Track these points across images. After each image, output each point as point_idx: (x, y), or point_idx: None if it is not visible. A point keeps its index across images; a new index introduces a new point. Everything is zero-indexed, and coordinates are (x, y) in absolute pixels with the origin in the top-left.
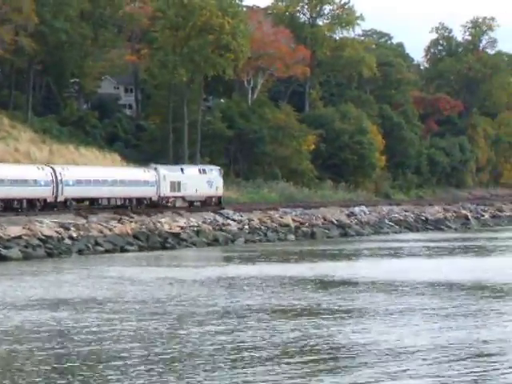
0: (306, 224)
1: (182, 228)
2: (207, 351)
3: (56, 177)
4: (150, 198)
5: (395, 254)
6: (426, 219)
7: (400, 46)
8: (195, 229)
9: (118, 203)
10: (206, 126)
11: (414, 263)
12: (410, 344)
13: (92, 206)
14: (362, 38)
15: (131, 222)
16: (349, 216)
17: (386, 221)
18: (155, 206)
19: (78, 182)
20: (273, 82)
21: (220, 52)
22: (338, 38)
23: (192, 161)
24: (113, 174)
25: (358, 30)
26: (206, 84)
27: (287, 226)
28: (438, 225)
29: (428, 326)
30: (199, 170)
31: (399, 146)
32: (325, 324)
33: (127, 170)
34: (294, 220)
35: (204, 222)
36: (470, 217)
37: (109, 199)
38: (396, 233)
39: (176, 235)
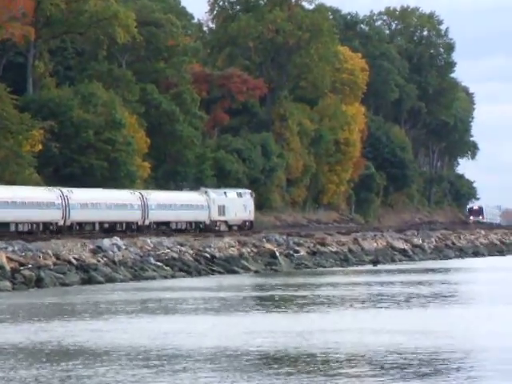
0: (29, 265)
1: None
2: None
3: (144, 201)
4: (204, 222)
5: (164, 309)
6: (212, 257)
7: None
8: None
9: (183, 227)
10: None
11: (187, 324)
12: None
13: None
14: None
15: None
16: (95, 253)
17: (152, 260)
18: (207, 230)
19: (159, 206)
20: None
21: None
22: None
23: None
24: (181, 197)
25: None
26: None
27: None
28: (229, 266)
29: None
30: (237, 193)
31: (171, 148)
32: None
33: (190, 194)
34: (9, 259)
35: None
36: (277, 254)
37: (176, 223)
38: (166, 277)
39: None
